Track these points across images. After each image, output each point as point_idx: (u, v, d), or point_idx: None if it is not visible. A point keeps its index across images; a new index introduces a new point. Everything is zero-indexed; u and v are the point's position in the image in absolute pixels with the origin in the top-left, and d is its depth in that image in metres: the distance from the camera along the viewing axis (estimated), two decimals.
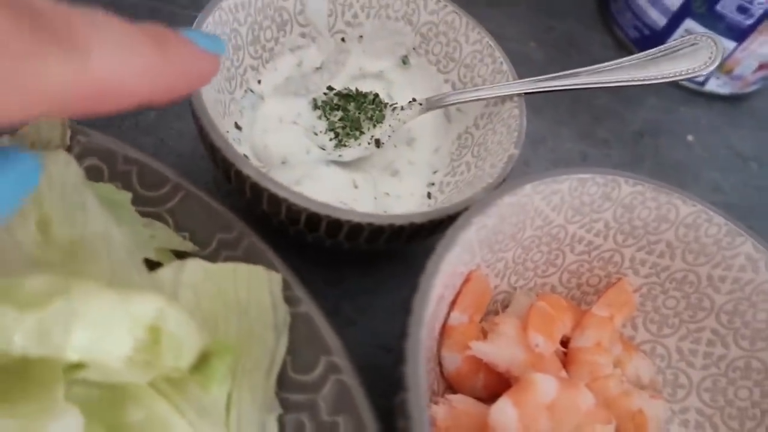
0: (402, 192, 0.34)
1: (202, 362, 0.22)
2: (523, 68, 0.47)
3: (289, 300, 0.27)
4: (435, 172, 0.35)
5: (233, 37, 0.32)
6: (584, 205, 0.29)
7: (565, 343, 0.30)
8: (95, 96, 0.15)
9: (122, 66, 0.15)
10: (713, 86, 0.49)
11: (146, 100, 0.16)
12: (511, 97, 0.32)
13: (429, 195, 0.34)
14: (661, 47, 0.31)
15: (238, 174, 0.26)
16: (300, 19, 0.35)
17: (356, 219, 0.25)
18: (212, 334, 0.24)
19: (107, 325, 0.19)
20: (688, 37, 0.30)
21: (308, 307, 0.26)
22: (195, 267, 0.25)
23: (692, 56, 0.30)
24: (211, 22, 0.29)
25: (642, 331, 0.32)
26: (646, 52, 0.30)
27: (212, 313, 0.24)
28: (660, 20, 0.47)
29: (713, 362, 0.30)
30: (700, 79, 0.48)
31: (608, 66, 0.31)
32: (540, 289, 0.32)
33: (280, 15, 0.34)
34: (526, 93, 0.31)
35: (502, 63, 0.33)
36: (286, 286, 0.27)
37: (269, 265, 0.27)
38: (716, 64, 0.29)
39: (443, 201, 0.33)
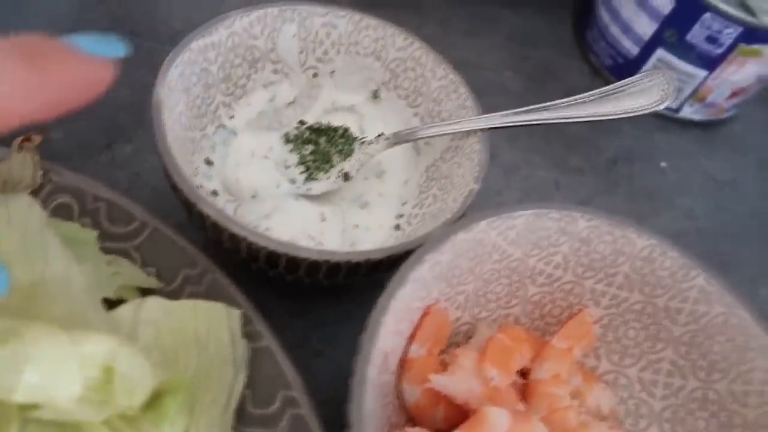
0: (371, 224, 0.35)
1: (156, 400, 0.22)
2: (499, 97, 0.49)
3: (250, 335, 0.27)
4: (404, 204, 0.36)
5: (204, 76, 0.33)
6: (541, 239, 0.29)
7: (525, 374, 0.30)
8: None
9: None
10: (687, 113, 0.50)
11: (29, 119, 0.16)
12: (474, 131, 0.33)
13: (397, 227, 0.35)
14: (622, 82, 0.32)
15: (200, 214, 0.27)
16: (272, 56, 0.36)
17: (314, 257, 0.26)
18: (171, 369, 0.24)
19: (58, 366, 0.20)
20: (644, 73, 0.31)
21: (269, 341, 0.27)
22: (154, 304, 0.25)
23: (648, 92, 0.30)
24: (180, 63, 0.31)
25: (605, 361, 0.32)
26: (607, 87, 0.31)
27: (172, 349, 0.25)
28: (633, 49, 0.48)
29: (673, 393, 0.30)
30: (674, 106, 0.49)
31: (567, 102, 0.32)
32: (503, 320, 0.32)
33: (252, 53, 0.35)
34: (489, 128, 0.32)
35: (466, 98, 0.34)
36: (247, 321, 0.27)
37: (231, 300, 0.28)
38: (667, 102, 0.30)
39: (410, 233, 0.34)
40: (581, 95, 0.33)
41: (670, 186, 0.47)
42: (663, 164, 0.48)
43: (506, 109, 0.33)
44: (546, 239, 0.29)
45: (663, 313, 0.30)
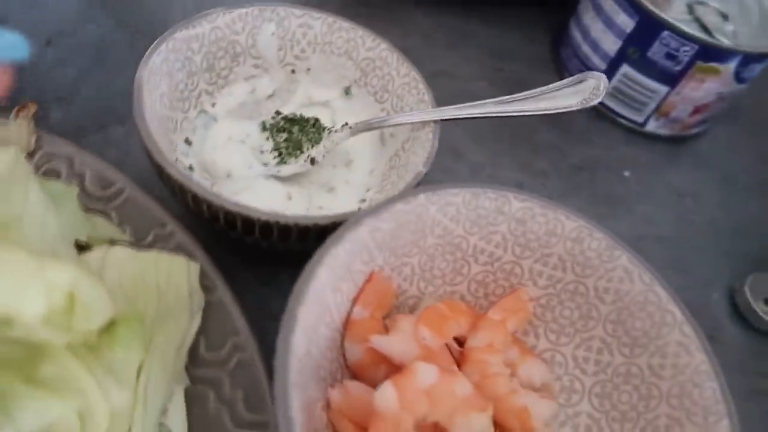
0: (335, 207, 0.38)
1: (113, 327, 0.25)
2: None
3: (207, 288, 0.30)
4: (368, 191, 0.39)
5: (187, 64, 0.36)
6: (480, 217, 0.32)
7: (463, 343, 0.33)
8: None
9: None
10: (652, 127, 0.52)
11: None
12: (429, 123, 0.36)
13: (359, 210, 0.38)
14: (561, 82, 0.35)
15: (167, 176, 0.30)
16: (252, 52, 0.40)
17: (264, 218, 0.29)
18: (131, 310, 0.27)
19: (24, 284, 0.23)
20: (582, 74, 0.34)
21: (223, 294, 0.30)
22: (121, 252, 0.29)
23: (582, 92, 0.33)
24: (164, 50, 0.34)
25: (543, 340, 0.35)
26: (544, 89, 0.34)
27: (132, 292, 0.28)
28: (601, 65, 0.51)
29: (602, 369, 0.33)
30: (640, 120, 0.52)
31: (512, 98, 0.35)
32: (448, 297, 0.35)
33: (233, 47, 0.39)
34: (441, 120, 0.35)
35: (424, 94, 0.37)
36: (205, 276, 0.30)
37: (194, 257, 0.31)
38: (596, 99, 0.33)
39: None
40: (527, 92, 0.36)
41: (632, 194, 0.49)
42: (626, 173, 0.50)
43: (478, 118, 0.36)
44: (485, 218, 0.32)
45: (593, 293, 0.32)
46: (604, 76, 0.33)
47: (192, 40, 0.36)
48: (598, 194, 0.48)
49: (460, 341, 0.33)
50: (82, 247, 0.28)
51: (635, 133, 0.53)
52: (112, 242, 0.30)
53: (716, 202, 0.51)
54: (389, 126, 0.37)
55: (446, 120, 0.35)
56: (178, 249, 0.31)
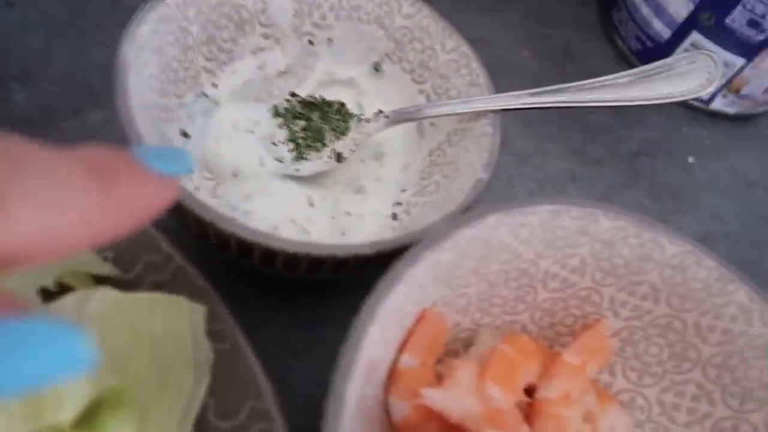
0: (365, 211, 0.31)
1: (93, 414, 0.19)
2: (513, 78, 0.44)
3: (216, 334, 0.24)
4: (403, 191, 0.32)
5: (182, 36, 0.29)
6: (558, 239, 0.25)
7: (532, 391, 0.27)
8: (21, 253, 0.12)
9: (52, 218, 0.12)
10: (719, 105, 0.45)
11: (86, 246, 0.13)
12: (485, 113, 0.29)
13: (394, 216, 0.31)
14: (657, 64, 0.28)
15: None
16: (262, 18, 0.32)
17: (292, 249, 0.22)
18: (116, 375, 0.21)
19: None
20: (684, 54, 0.27)
21: (238, 342, 0.24)
22: (104, 296, 0.22)
23: (689, 76, 0.26)
24: (154, 19, 0.27)
25: (620, 378, 0.29)
26: (638, 69, 0.27)
27: (120, 351, 0.21)
28: (664, 32, 0.44)
29: (697, 419, 0.27)
30: (705, 97, 0.45)
31: (596, 83, 0.28)
32: (508, 327, 0.29)
33: (239, 13, 0.31)
34: (502, 110, 0.28)
35: (478, 75, 0.30)
36: (214, 318, 0.24)
37: (197, 292, 0.24)
38: (713, 86, 0.26)
39: (408, 224, 0.30)
40: (607, 77, 0.29)
41: (697, 184, 0.43)
42: (690, 159, 0.44)
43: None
44: (563, 239, 0.25)
45: (692, 330, 0.26)
46: (716, 58, 0.26)
47: (187, 4, 0.28)
48: (660, 185, 0.42)
49: (528, 388, 0.27)
50: (50, 293, 0.22)
51: (698, 111, 0.46)
52: (92, 278, 0.23)
53: None
54: (436, 117, 0.30)
55: (508, 110, 0.28)
56: (177, 281, 0.24)
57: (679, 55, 0.27)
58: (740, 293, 0.25)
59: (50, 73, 0.35)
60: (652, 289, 0.26)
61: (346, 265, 0.24)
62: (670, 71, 0.27)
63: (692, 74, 0.26)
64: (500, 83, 0.32)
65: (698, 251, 0.25)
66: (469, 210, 0.26)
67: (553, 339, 0.29)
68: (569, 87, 0.29)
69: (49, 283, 0.21)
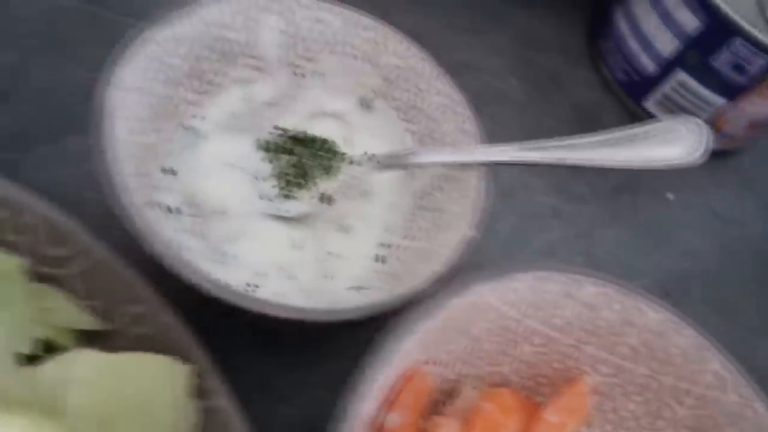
0: (349, 252, 0.31)
1: None
2: (500, 107, 0.44)
3: (202, 392, 0.23)
4: (388, 231, 0.32)
5: (169, 72, 0.28)
6: (544, 301, 0.26)
7: None
8: None
9: None
10: None
11: None
12: (475, 164, 0.29)
13: (379, 258, 0.31)
14: (645, 127, 0.28)
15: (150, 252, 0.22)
16: (249, 50, 0.31)
17: (276, 313, 0.22)
18: None
19: None
20: (680, 119, 0.27)
21: (223, 401, 0.23)
22: (89, 359, 0.21)
23: (675, 142, 0.27)
24: (137, 59, 0.26)
25: (597, 430, 0.29)
26: (627, 132, 0.27)
27: (108, 420, 0.21)
28: (650, 66, 0.44)
29: None
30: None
31: (583, 141, 0.28)
32: (490, 378, 0.29)
33: (226, 45, 0.30)
34: (489, 163, 0.28)
35: (468, 122, 0.30)
36: (199, 374, 0.23)
37: (183, 347, 0.23)
38: (700, 153, 0.26)
39: (394, 271, 0.30)
40: (605, 134, 0.29)
41: (676, 221, 0.43)
42: (670, 196, 0.44)
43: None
44: (549, 302, 0.26)
45: (669, 392, 0.27)
46: (705, 126, 0.27)
47: (173, 42, 0.27)
48: (640, 222, 0.42)
49: None
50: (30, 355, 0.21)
51: None
52: (74, 333, 0.23)
53: (762, 232, 0.45)
54: (427, 165, 0.29)
55: (498, 164, 0.28)
56: (161, 334, 0.24)
57: (673, 119, 0.27)
58: (714, 363, 0.25)
59: (26, 93, 0.33)
60: (633, 351, 0.27)
61: (333, 326, 0.24)
62: (667, 134, 0.27)
63: (685, 140, 0.26)
64: (486, 111, 0.31)
65: (677, 319, 0.25)
66: (457, 269, 0.26)
67: (534, 389, 0.30)
68: (559, 145, 0.29)
69: (25, 348, 0.21)
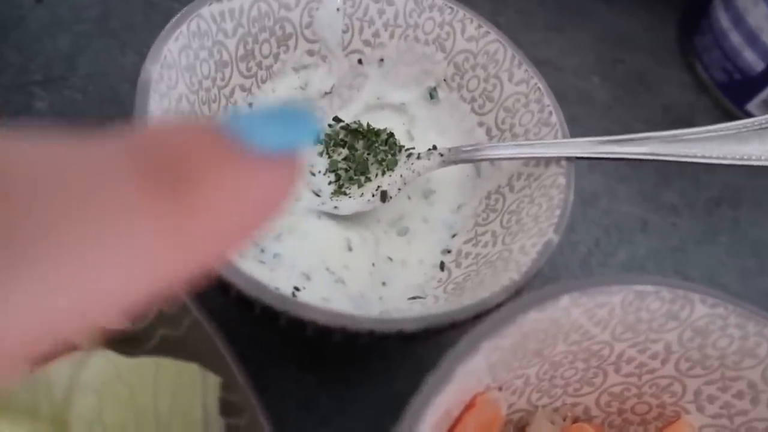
0: (409, 257, 0.28)
1: None
2: (582, 108, 0.40)
3: (230, 407, 0.20)
4: (453, 236, 0.29)
5: (217, 52, 0.26)
6: (640, 322, 0.21)
7: None
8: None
9: (83, 292, 0.08)
10: None
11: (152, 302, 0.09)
12: (557, 160, 0.25)
13: (442, 266, 0.28)
14: (760, 119, 0.23)
15: None
16: (307, 33, 0.29)
17: (323, 320, 0.19)
18: None
19: None
20: None
21: (255, 419, 0.20)
22: (102, 361, 0.19)
23: None
24: (185, 34, 0.23)
25: None
26: (738, 124, 0.23)
27: (119, 428, 0.18)
28: (757, 64, 0.39)
29: None
30: None
31: (687, 134, 0.23)
32: (569, 411, 0.25)
33: (282, 27, 0.28)
34: (576, 157, 0.24)
35: (551, 113, 0.26)
36: (229, 386, 0.20)
37: (212, 353, 0.21)
38: None
39: (459, 281, 0.26)
40: (701, 128, 0.24)
41: None
42: None
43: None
44: (647, 323, 0.21)
45: None
46: None
47: (225, 17, 0.25)
48: (743, 239, 0.37)
49: None
50: None
51: None
52: (96, 331, 0.20)
53: None
54: (501, 159, 0.26)
55: (584, 159, 0.24)
56: (191, 338, 0.21)
57: None
58: None
59: (76, 79, 0.32)
60: (751, 388, 0.22)
61: (386, 338, 0.20)
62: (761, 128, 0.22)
63: None
64: (566, 112, 0.28)
65: None
66: (533, 278, 0.22)
67: (621, 426, 0.25)
68: (652, 136, 0.25)
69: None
